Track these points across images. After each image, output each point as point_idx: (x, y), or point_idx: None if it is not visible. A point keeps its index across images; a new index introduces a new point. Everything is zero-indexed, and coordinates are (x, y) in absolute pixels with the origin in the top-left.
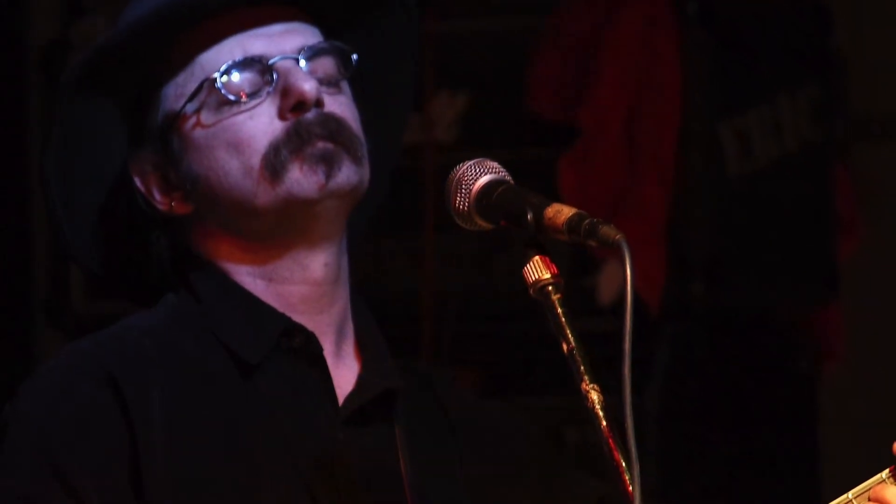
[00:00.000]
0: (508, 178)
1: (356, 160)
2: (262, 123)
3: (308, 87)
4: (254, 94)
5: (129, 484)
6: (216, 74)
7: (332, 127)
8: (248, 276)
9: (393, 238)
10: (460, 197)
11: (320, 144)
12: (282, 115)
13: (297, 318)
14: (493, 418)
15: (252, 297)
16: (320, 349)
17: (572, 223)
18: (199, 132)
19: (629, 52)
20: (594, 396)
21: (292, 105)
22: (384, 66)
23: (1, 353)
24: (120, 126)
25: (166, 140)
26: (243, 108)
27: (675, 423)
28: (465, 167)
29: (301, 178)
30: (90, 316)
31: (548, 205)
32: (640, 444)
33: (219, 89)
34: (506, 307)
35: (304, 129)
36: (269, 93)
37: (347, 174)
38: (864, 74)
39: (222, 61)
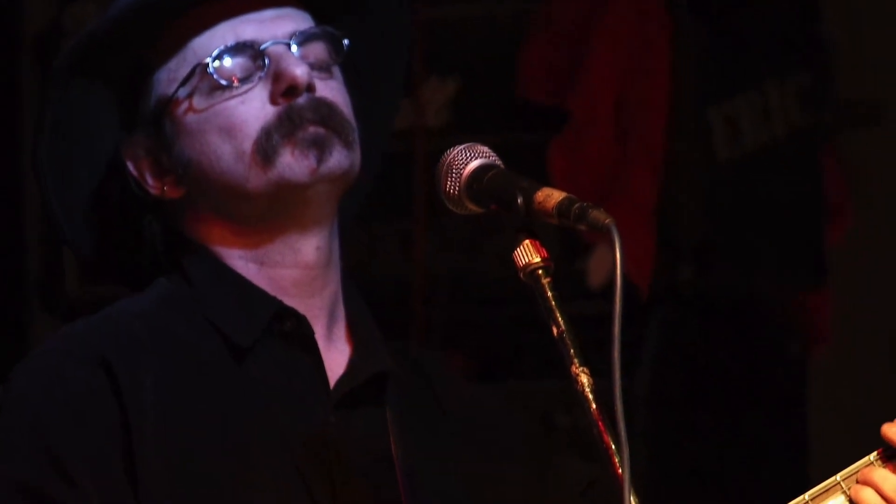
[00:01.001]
0: (499, 162)
1: (347, 145)
2: (253, 108)
3: (299, 72)
4: (245, 79)
5: (122, 468)
6: (208, 59)
7: (324, 112)
8: (239, 260)
9: (384, 222)
10: (451, 181)
11: (312, 129)
12: (273, 100)
13: (289, 301)
14: (484, 403)
15: (244, 281)
16: (312, 332)
17: (562, 207)
18: (191, 117)
19: (619, 37)
20: (584, 380)
21: (284, 90)
22: (376, 51)
23: None
24: (112, 111)
25: (159, 125)
26: (235, 92)
27: (665, 406)
28: (455, 152)
29: (293, 163)
30: (84, 300)
31: (538, 189)
32: (629, 428)
33: (211, 74)
34: (496, 291)
35: (296, 113)
36: (260, 78)
37: (339, 159)
38: (854, 61)
39: (214, 46)
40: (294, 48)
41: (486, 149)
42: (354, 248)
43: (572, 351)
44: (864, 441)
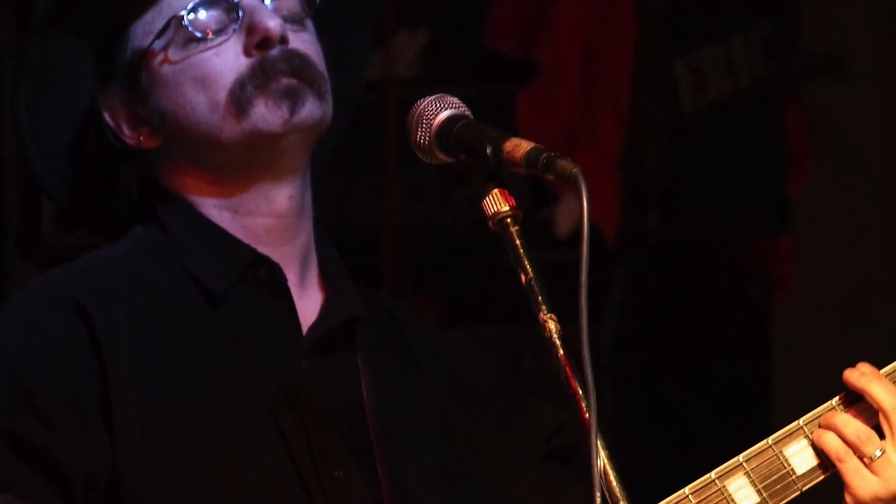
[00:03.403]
0: (468, 113)
1: (320, 96)
2: (228, 60)
3: (273, 24)
4: (220, 31)
5: (99, 412)
6: (183, 12)
7: (296, 63)
8: (214, 209)
9: (355, 172)
10: (421, 131)
11: (284, 80)
12: (247, 52)
13: (263, 249)
14: (454, 347)
15: (218, 229)
16: (285, 279)
17: (530, 157)
18: (166, 68)
19: None
20: (552, 326)
21: (257, 42)
22: (347, 4)
23: None
24: (90, 63)
25: (135, 76)
26: (209, 45)
27: (631, 351)
28: (425, 102)
29: (266, 113)
30: (61, 248)
31: (507, 139)
32: (595, 373)
33: (186, 27)
34: (465, 239)
35: (269, 65)
36: (234, 30)
37: (311, 109)
38: (816, 12)
39: None
40: (267, 1)
41: (455, 100)
42: (326, 196)
43: (540, 298)
44: (825, 386)
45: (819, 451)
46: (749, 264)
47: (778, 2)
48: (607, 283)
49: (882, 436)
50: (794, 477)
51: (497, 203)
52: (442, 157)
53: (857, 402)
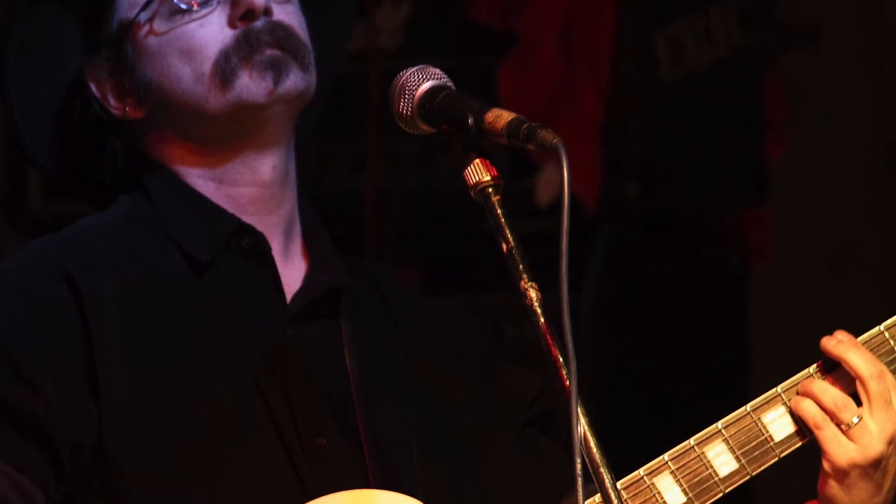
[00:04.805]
0: (450, 84)
1: (303, 67)
2: (212, 31)
3: None
4: (204, 3)
5: (84, 377)
6: None
7: (280, 34)
8: (199, 179)
9: (337, 141)
10: (404, 102)
11: (269, 52)
12: (232, 24)
13: (247, 218)
14: (436, 315)
15: (203, 199)
16: (269, 248)
17: (512, 127)
18: (152, 40)
19: None
20: (533, 294)
21: (242, 13)
22: None
23: None
24: (76, 33)
25: (120, 47)
26: (195, 16)
27: (611, 319)
28: (408, 73)
29: (250, 84)
30: (47, 217)
31: (488, 109)
32: (576, 340)
33: None
34: (447, 208)
35: (254, 36)
36: (219, 2)
37: (295, 80)
38: None
39: None
40: None
41: (437, 71)
42: (308, 165)
43: (521, 266)
44: (803, 354)
45: (797, 418)
46: (728, 233)
47: None
48: (588, 252)
49: (859, 403)
50: (772, 444)
51: (479, 173)
52: (424, 127)
53: (835, 370)
